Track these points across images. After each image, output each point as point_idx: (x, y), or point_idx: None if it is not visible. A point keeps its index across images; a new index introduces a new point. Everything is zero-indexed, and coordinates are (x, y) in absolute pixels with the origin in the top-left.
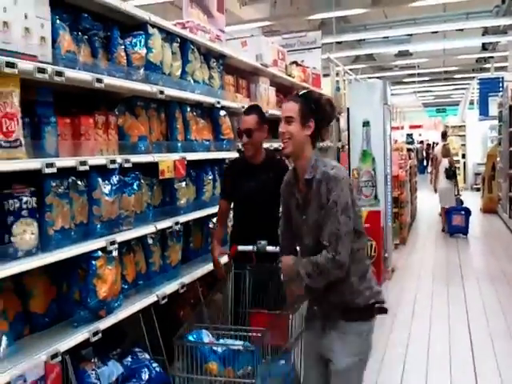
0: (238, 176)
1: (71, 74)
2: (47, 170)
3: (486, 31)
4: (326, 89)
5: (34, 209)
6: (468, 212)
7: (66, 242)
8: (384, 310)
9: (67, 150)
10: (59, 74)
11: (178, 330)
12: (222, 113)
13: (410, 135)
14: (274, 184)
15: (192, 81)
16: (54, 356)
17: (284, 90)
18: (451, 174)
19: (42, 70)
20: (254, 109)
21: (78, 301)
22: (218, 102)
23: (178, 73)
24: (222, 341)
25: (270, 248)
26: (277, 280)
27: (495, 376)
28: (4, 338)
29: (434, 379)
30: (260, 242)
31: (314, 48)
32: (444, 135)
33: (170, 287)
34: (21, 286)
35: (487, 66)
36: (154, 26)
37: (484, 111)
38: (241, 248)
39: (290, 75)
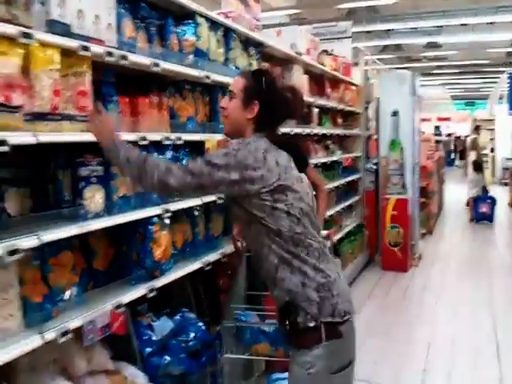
0: None
1: (134, 58)
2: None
3: None
4: (355, 78)
5: (101, 176)
6: (493, 200)
7: (127, 207)
8: (336, 334)
9: (127, 127)
10: (124, 57)
11: (219, 297)
12: None
13: (437, 127)
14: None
15: (234, 67)
16: (117, 306)
17: (315, 79)
18: (478, 166)
19: (109, 54)
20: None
21: (135, 261)
22: None
23: (222, 59)
24: (268, 321)
25: None
26: None
27: None
28: (75, 289)
29: (459, 363)
30: None
31: (345, 38)
32: (477, 128)
33: (213, 256)
34: (86, 246)
35: None
36: (201, 15)
37: None
38: None
39: (321, 64)
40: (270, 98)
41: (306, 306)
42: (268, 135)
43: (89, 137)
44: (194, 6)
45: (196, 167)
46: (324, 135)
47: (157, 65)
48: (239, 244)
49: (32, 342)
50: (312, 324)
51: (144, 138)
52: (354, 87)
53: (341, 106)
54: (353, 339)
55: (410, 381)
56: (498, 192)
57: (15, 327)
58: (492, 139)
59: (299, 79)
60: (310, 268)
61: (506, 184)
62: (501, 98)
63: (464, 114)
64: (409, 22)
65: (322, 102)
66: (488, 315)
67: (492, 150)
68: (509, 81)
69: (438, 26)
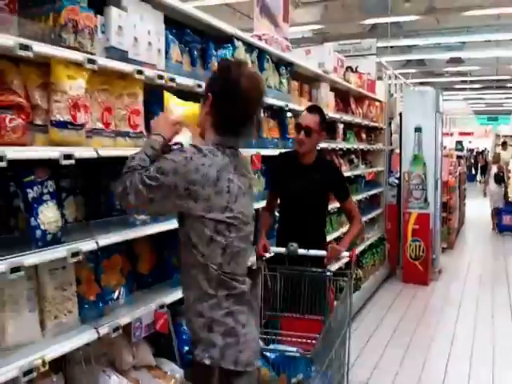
0: (287, 172)
1: (180, 80)
2: None
3: None
4: (379, 94)
5: None
6: None
7: (170, 216)
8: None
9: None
10: (172, 80)
11: None
12: (289, 114)
13: (459, 142)
14: (321, 185)
15: (266, 86)
16: (161, 306)
17: (341, 95)
18: (500, 178)
19: (160, 77)
20: (318, 110)
21: (175, 265)
22: (287, 105)
23: None
24: (272, 346)
25: (301, 251)
26: (309, 284)
27: None
28: (123, 290)
29: (476, 377)
30: (292, 245)
31: (369, 54)
32: (503, 144)
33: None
34: (131, 250)
35: None
36: (238, 39)
37: None
38: (272, 250)
39: (347, 81)
40: (222, 87)
41: (209, 349)
42: (230, 141)
43: None
44: (233, 31)
45: (150, 175)
46: (348, 150)
47: (200, 86)
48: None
49: (88, 336)
50: (208, 362)
51: None
52: (377, 103)
53: (365, 122)
54: None
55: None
56: None
57: (72, 322)
58: None
59: (326, 96)
60: (222, 311)
61: None
62: None
63: (486, 128)
64: (431, 38)
65: (347, 117)
66: (509, 329)
67: None
68: None
69: (460, 42)
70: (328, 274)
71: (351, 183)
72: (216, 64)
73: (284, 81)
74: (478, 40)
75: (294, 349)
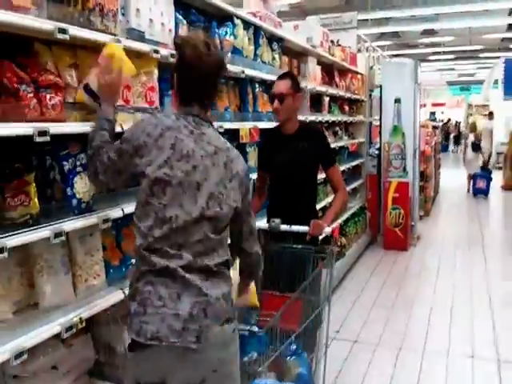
0: (271, 147)
1: None
2: None
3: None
4: (360, 66)
5: None
6: (489, 177)
7: None
8: (139, 349)
9: None
10: None
11: None
12: None
13: (432, 113)
14: (308, 154)
15: (261, 62)
16: None
17: (326, 69)
18: (476, 146)
19: (172, 55)
20: (288, 74)
21: None
22: None
23: (252, 55)
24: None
25: (283, 227)
26: (291, 260)
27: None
28: None
29: (456, 327)
30: (274, 220)
31: (350, 28)
32: (490, 114)
33: None
34: None
35: None
36: (238, 17)
37: (509, 91)
38: None
39: (332, 55)
40: (176, 61)
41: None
42: (194, 110)
43: None
44: (233, 9)
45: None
46: (333, 122)
47: None
48: None
49: (115, 297)
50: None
51: None
52: (359, 76)
53: (348, 95)
54: (165, 365)
55: (415, 343)
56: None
57: (100, 285)
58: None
59: (314, 70)
60: (142, 281)
61: (500, 168)
62: (496, 82)
63: (459, 98)
64: (406, 10)
65: (332, 90)
66: (483, 288)
67: None
68: (504, 66)
69: (434, 14)
70: (309, 250)
71: (336, 155)
72: (222, 42)
73: (276, 56)
74: (452, 11)
75: (247, 326)
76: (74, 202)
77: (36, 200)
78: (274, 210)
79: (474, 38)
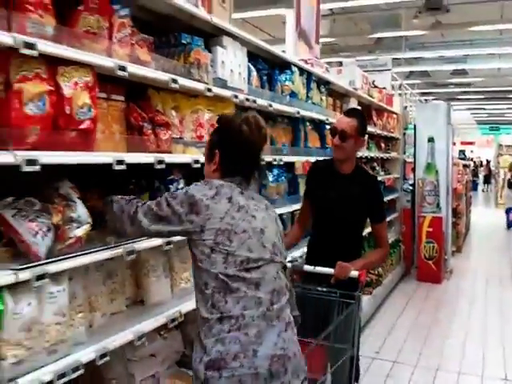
0: (322, 180)
1: (260, 101)
2: None
3: None
4: (395, 106)
5: None
6: None
7: None
8: None
9: None
10: (254, 101)
11: None
12: (327, 127)
13: (462, 151)
14: (359, 198)
15: (311, 103)
16: None
17: (365, 108)
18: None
19: (247, 99)
20: (356, 113)
21: None
22: (327, 119)
23: (304, 98)
24: None
25: (307, 267)
26: (314, 304)
27: None
28: None
29: (490, 359)
30: (297, 259)
31: (385, 70)
32: None
33: None
34: None
35: None
36: (295, 65)
37: None
38: None
39: (370, 96)
40: (226, 141)
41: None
42: (237, 180)
43: None
44: (291, 58)
45: (156, 204)
46: (372, 158)
47: (271, 105)
48: None
49: None
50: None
51: (263, 160)
52: (394, 115)
53: (384, 133)
54: None
55: (451, 365)
56: None
57: (190, 288)
58: None
59: None
60: (212, 338)
61: None
62: None
63: (488, 138)
64: (436, 50)
65: (370, 129)
66: None
67: None
68: None
69: (464, 55)
70: (333, 295)
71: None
72: (281, 87)
73: (323, 98)
74: (481, 53)
75: None
76: None
77: None
78: (315, 248)
79: (504, 78)
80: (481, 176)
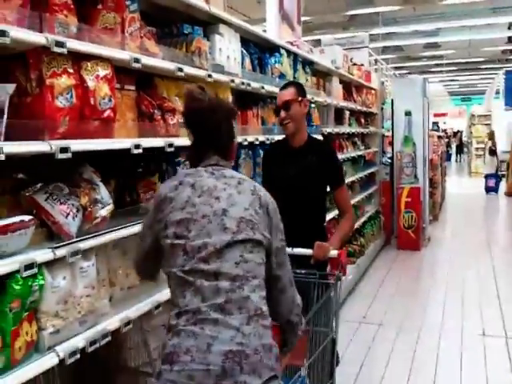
0: (277, 161)
1: (253, 84)
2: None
3: (511, 25)
4: (373, 83)
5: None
6: (499, 177)
7: None
8: None
9: (240, 131)
10: (248, 85)
11: None
12: (313, 105)
13: (435, 123)
14: (316, 169)
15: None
16: None
17: (345, 86)
18: (493, 151)
19: (242, 83)
20: (291, 83)
21: None
22: (313, 98)
23: (292, 78)
24: None
25: None
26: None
27: None
28: None
29: (468, 315)
30: None
31: (362, 47)
32: None
33: None
34: None
35: None
36: (284, 48)
37: (510, 101)
38: None
39: (351, 73)
40: (191, 123)
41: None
42: (212, 161)
43: None
44: (280, 42)
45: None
46: (352, 133)
47: (263, 87)
48: None
49: None
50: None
51: (257, 139)
52: (372, 91)
53: (364, 109)
54: None
55: (433, 324)
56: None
57: None
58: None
59: (337, 88)
60: (170, 332)
61: (502, 176)
62: (497, 92)
63: (460, 109)
64: (409, 25)
65: (351, 105)
66: (491, 279)
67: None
68: (504, 77)
69: (436, 28)
70: (311, 276)
71: (354, 163)
72: (271, 69)
73: (308, 78)
74: (453, 26)
75: None
76: None
77: None
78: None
79: (475, 50)
80: (453, 146)
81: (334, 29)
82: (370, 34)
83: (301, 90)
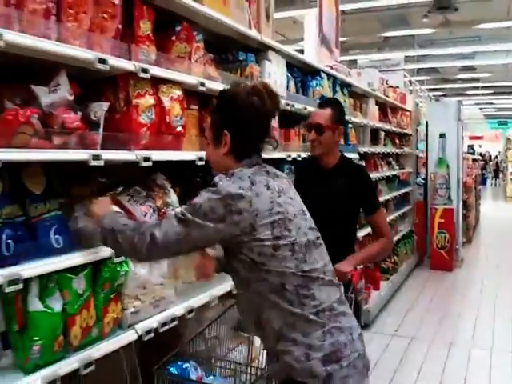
0: (305, 179)
1: (296, 105)
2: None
3: None
4: (408, 105)
5: None
6: None
7: None
8: None
9: (284, 148)
10: (293, 106)
11: None
12: (350, 126)
13: (470, 146)
14: (348, 191)
15: None
16: None
17: (381, 107)
18: None
19: (287, 104)
20: (331, 103)
21: None
22: (350, 119)
23: None
24: (211, 378)
25: None
26: None
27: None
28: None
29: (499, 337)
30: None
31: (397, 70)
32: None
33: None
34: None
35: None
36: (323, 72)
37: None
38: None
39: (386, 95)
40: (236, 118)
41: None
42: (254, 159)
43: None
44: (320, 66)
45: (176, 215)
46: (387, 153)
47: (305, 108)
48: None
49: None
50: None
51: (289, 156)
52: (407, 113)
53: (399, 130)
54: None
55: (463, 340)
56: None
57: None
58: None
59: (373, 109)
60: (317, 332)
61: None
62: None
63: (496, 132)
64: (445, 48)
65: (386, 126)
66: None
67: None
68: None
69: (472, 51)
70: None
71: (389, 182)
72: (313, 92)
73: (346, 99)
74: (489, 50)
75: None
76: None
77: None
78: None
79: (511, 73)
80: (490, 170)
81: (368, 49)
82: (405, 56)
83: (338, 113)
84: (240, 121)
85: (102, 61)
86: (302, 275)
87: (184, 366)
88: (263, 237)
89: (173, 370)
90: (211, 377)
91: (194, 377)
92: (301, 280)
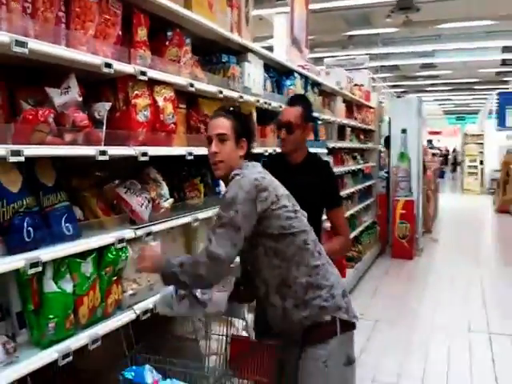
0: (274, 175)
1: (273, 103)
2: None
3: (505, 48)
4: (372, 102)
5: None
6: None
7: None
8: (349, 326)
9: (260, 143)
10: (269, 104)
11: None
12: (320, 122)
13: (429, 141)
14: (313, 186)
15: None
16: None
17: (347, 105)
18: None
19: (265, 103)
20: (301, 100)
21: None
22: (320, 116)
23: None
24: (168, 381)
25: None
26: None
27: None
28: None
29: (453, 313)
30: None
31: (362, 68)
32: None
33: None
34: None
35: (506, 79)
36: (297, 72)
37: (502, 122)
38: None
39: (353, 93)
40: (250, 132)
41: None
42: (249, 157)
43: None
44: (294, 66)
45: (218, 220)
46: (353, 149)
47: (281, 106)
48: None
49: None
50: (328, 318)
51: (266, 151)
52: (371, 110)
53: (363, 126)
54: None
55: (424, 320)
56: (484, 199)
57: None
58: (481, 152)
59: (340, 107)
60: (333, 274)
61: (492, 193)
62: (490, 112)
63: (455, 128)
64: (406, 46)
65: (352, 123)
66: (478, 288)
67: (481, 162)
68: (498, 99)
69: (432, 50)
70: None
71: (354, 175)
72: (287, 91)
73: (316, 97)
74: (449, 48)
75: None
76: (221, 195)
77: (203, 194)
78: None
79: (470, 71)
80: (448, 164)
81: (333, 47)
82: (369, 54)
83: (308, 110)
84: (252, 134)
85: (108, 65)
86: (309, 231)
87: (139, 370)
88: (286, 203)
89: (127, 374)
90: (168, 380)
91: (149, 381)
92: (314, 236)
